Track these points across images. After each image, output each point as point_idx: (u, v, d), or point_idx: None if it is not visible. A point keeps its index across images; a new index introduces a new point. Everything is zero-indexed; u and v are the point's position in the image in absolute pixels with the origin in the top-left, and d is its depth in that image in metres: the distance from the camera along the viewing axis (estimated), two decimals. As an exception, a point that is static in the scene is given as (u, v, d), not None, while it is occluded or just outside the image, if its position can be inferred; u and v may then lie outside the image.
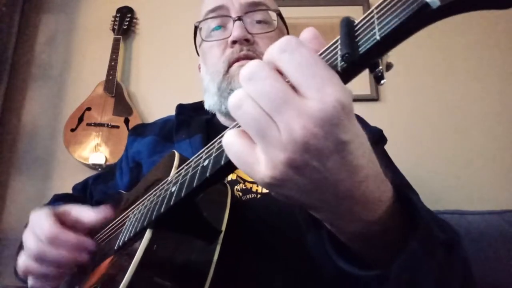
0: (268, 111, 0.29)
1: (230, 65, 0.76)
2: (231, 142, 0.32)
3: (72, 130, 1.52)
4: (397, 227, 0.37)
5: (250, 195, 0.66)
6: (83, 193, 0.93)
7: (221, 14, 0.79)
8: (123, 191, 0.78)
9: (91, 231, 0.67)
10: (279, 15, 0.83)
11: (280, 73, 0.30)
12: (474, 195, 1.41)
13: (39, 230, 0.55)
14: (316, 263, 0.55)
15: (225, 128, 0.82)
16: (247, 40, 0.76)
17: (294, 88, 0.29)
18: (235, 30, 0.75)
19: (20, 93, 1.64)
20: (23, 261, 0.55)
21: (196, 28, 0.85)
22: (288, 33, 0.91)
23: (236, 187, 0.67)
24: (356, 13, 1.65)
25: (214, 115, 0.89)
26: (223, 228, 0.50)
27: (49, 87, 1.66)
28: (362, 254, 0.40)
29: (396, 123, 1.52)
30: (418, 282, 0.38)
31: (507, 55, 1.60)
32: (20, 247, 0.59)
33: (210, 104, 0.81)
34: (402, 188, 0.39)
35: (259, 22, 0.80)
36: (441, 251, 0.41)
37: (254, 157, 0.30)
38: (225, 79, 0.76)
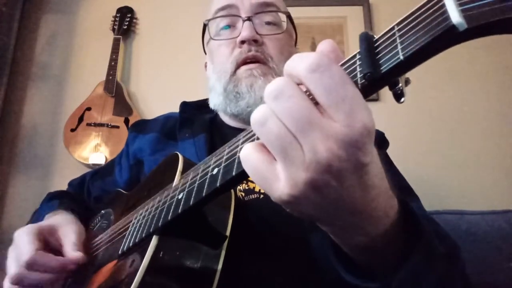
0: (293, 131, 0.28)
1: (238, 66, 0.75)
2: (249, 156, 0.31)
3: (72, 130, 1.52)
4: (400, 239, 0.38)
5: (253, 195, 0.66)
6: (80, 190, 0.92)
7: (231, 13, 0.79)
8: (123, 191, 0.78)
9: (90, 235, 0.67)
10: (289, 17, 0.83)
11: (306, 91, 0.29)
12: (474, 195, 1.41)
13: (20, 252, 0.55)
14: (319, 264, 0.55)
15: (229, 128, 0.83)
16: (255, 41, 0.75)
17: (320, 108, 0.28)
18: (244, 30, 0.75)
19: (20, 93, 1.64)
20: (6, 282, 0.56)
21: (205, 26, 0.84)
22: (296, 36, 0.90)
23: (238, 187, 0.66)
24: (356, 13, 1.65)
25: (217, 114, 0.88)
26: (228, 233, 0.50)
27: (49, 87, 1.66)
28: (365, 264, 0.40)
29: (396, 123, 1.52)
30: None
31: (507, 55, 1.60)
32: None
33: (215, 103, 0.81)
34: (406, 200, 0.39)
35: (268, 23, 0.79)
36: (442, 263, 0.41)
37: (273, 174, 0.30)
38: (231, 81, 0.75)
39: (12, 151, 1.57)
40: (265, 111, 0.30)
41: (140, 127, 0.89)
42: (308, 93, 0.29)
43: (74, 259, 0.57)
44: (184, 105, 0.90)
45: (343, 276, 0.40)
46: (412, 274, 0.37)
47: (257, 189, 0.66)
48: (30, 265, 0.54)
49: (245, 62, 0.75)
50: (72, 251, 0.58)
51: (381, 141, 0.81)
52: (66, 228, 0.63)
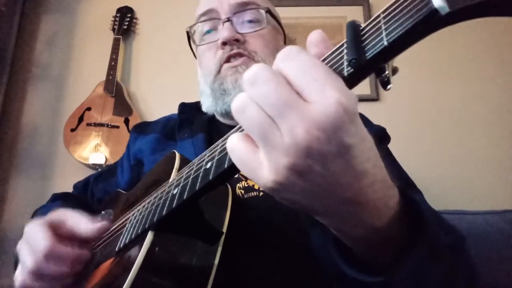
0: (272, 115, 0.28)
1: (221, 66, 0.76)
2: (234, 146, 0.32)
3: (72, 130, 1.52)
4: (403, 232, 0.37)
5: (252, 193, 0.66)
6: (84, 192, 0.93)
7: (212, 17, 0.80)
8: (122, 191, 0.78)
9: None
10: (268, 11, 0.82)
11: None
12: (474, 195, 1.41)
13: (34, 244, 0.55)
14: (319, 262, 0.55)
15: (226, 127, 0.83)
16: (237, 40, 0.76)
17: (298, 94, 0.28)
18: (223, 32, 0.75)
19: (20, 93, 1.64)
20: (20, 276, 0.55)
21: (188, 33, 0.86)
22: (282, 29, 0.90)
23: (238, 184, 0.67)
24: (356, 13, 1.65)
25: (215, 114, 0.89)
26: (225, 229, 0.50)
27: (49, 87, 1.66)
28: (367, 258, 0.39)
29: (396, 123, 1.52)
30: (423, 287, 0.38)
31: (507, 55, 1.60)
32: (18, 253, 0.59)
33: (207, 106, 0.82)
34: (408, 192, 0.39)
35: (250, 21, 0.79)
36: (447, 255, 0.41)
37: (257, 162, 0.30)
38: (217, 80, 0.77)
39: (12, 151, 1.57)
40: (243, 98, 0.30)
41: (141, 129, 0.91)
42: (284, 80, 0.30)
43: (91, 229, 0.56)
44: (183, 106, 0.91)
45: (345, 270, 0.39)
46: (417, 267, 0.36)
47: (256, 187, 0.67)
48: (48, 256, 0.53)
49: (228, 59, 0.75)
50: (89, 225, 0.57)
51: (383, 136, 0.82)
52: (76, 218, 0.62)
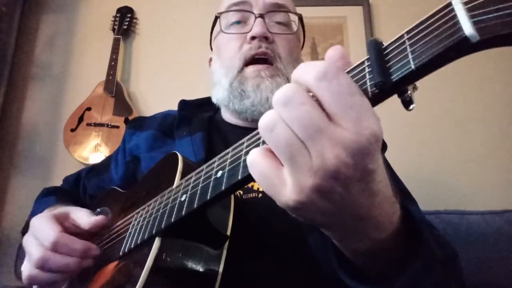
0: (302, 137, 0.28)
1: (246, 63, 0.75)
2: (256, 161, 0.32)
3: (72, 130, 1.52)
4: (401, 244, 0.38)
5: (251, 194, 0.66)
6: (76, 186, 0.91)
7: (244, 9, 0.79)
8: (119, 189, 0.77)
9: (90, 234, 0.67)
10: (300, 19, 0.84)
11: (313, 98, 0.30)
12: (474, 195, 1.41)
13: (41, 236, 0.55)
14: (317, 263, 0.55)
15: (228, 124, 0.83)
16: (266, 38, 0.75)
17: (328, 115, 0.29)
18: (256, 26, 0.75)
19: (20, 93, 1.64)
20: (27, 269, 0.55)
21: (216, 18, 0.84)
22: (304, 38, 0.90)
23: None
24: (356, 13, 1.65)
25: (216, 112, 0.88)
26: (229, 232, 0.50)
27: (49, 87, 1.66)
28: (364, 267, 0.40)
29: (396, 123, 1.52)
30: None
31: (508, 55, 1.60)
32: (19, 249, 0.59)
33: (218, 97, 0.80)
34: (407, 207, 0.40)
35: (279, 23, 0.80)
36: (439, 268, 0.42)
37: (281, 179, 0.30)
38: (238, 78, 0.75)
39: (12, 151, 1.57)
40: (273, 117, 0.30)
41: (137, 124, 0.89)
42: (316, 100, 0.29)
43: (94, 223, 0.57)
44: (183, 103, 0.89)
45: (343, 278, 0.40)
46: (413, 279, 0.37)
47: (255, 188, 0.66)
48: (55, 247, 0.53)
49: (253, 59, 0.75)
50: (92, 219, 0.58)
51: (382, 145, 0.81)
52: (78, 212, 0.62)
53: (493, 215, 1.02)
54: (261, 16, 0.76)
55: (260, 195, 0.65)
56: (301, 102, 0.28)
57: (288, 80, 0.74)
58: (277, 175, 0.30)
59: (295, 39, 0.82)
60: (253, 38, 0.75)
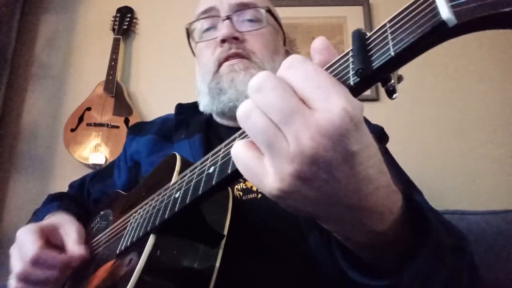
0: (277, 122, 0.28)
1: (220, 65, 0.76)
2: (239, 153, 0.32)
3: (72, 130, 1.52)
4: (406, 235, 0.37)
5: (250, 194, 0.65)
6: (80, 191, 0.92)
7: (212, 15, 0.80)
8: (121, 192, 0.78)
9: (89, 235, 0.67)
10: (269, 11, 0.82)
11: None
12: (474, 195, 1.41)
13: (23, 249, 0.56)
14: (317, 264, 0.55)
15: (223, 127, 0.83)
16: (236, 38, 0.75)
17: (303, 102, 0.28)
18: (223, 29, 0.75)
19: (20, 93, 1.64)
20: (12, 279, 0.56)
21: (187, 30, 0.85)
22: (282, 28, 0.90)
23: (236, 186, 0.66)
24: (356, 13, 1.65)
25: (212, 115, 0.88)
26: (226, 232, 0.50)
27: (49, 87, 1.66)
28: (371, 261, 0.39)
29: (396, 123, 1.52)
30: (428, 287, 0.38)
31: (508, 54, 1.60)
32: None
33: (204, 105, 0.81)
34: (411, 195, 0.39)
35: (249, 20, 0.79)
36: (449, 256, 0.41)
37: (262, 169, 0.30)
38: (214, 78, 0.76)
39: (12, 151, 1.57)
40: (248, 105, 0.30)
41: (137, 130, 0.90)
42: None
43: (77, 255, 0.58)
44: (180, 107, 0.90)
45: (351, 275, 0.39)
46: (422, 270, 0.36)
47: (254, 189, 0.66)
48: (35, 262, 0.54)
49: (227, 59, 0.75)
50: (75, 248, 0.59)
51: (381, 136, 0.81)
52: (67, 227, 0.63)
53: (493, 215, 1.02)
54: (228, 17, 0.76)
55: (260, 195, 0.65)
56: (273, 86, 0.29)
57: None
58: (259, 164, 0.30)
59: (269, 32, 0.81)
60: (223, 41, 0.75)
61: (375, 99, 1.55)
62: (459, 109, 1.55)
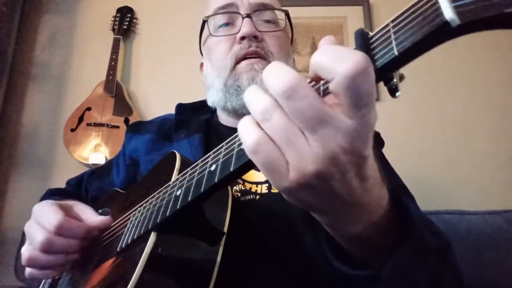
0: (302, 127, 0.29)
1: (237, 62, 0.75)
2: (261, 146, 0.31)
3: (72, 130, 1.52)
4: (392, 232, 0.39)
5: (249, 196, 0.66)
6: (78, 189, 0.92)
7: (230, 11, 0.79)
8: (120, 190, 0.78)
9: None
10: (287, 15, 0.84)
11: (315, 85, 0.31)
12: (474, 195, 1.41)
13: (45, 220, 0.56)
14: (313, 263, 0.55)
15: (225, 127, 0.83)
16: (255, 37, 0.76)
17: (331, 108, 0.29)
18: (244, 26, 0.75)
19: (20, 93, 1.64)
20: (28, 251, 0.56)
21: (204, 22, 0.84)
22: (292, 34, 0.90)
23: (235, 188, 0.67)
24: (356, 13, 1.65)
25: (212, 115, 0.88)
26: (226, 229, 0.50)
27: (49, 87, 1.66)
28: (358, 257, 0.41)
29: (396, 123, 1.52)
30: (410, 285, 0.39)
31: (509, 54, 1.60)
32: (19, 249, 0.59)
33: (213, 100, 0.81)
34: (397, 194, 0.40)
35: (267, 21, 0.80)
36: (434, 257, 0.42)
37: (284, 163, 0.30)
38: (231, 75, 0.75)
39: (12, 151, 1.57)
40: (270, 105, 0.30)
41: (136, 128, 0.90)
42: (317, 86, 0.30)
43: (99, 223, 0.59)
44: (180, 107, 0.90)
45: (335, 264, 0.41)
46: (403, 265, 0.38)
47: (253, 190, 0.67)
48: (59, 230, 0.54)
49: (245, 57, 0.75)
50: (95, 217, 0.60)
51: (377, 140, 0.82)
52: (80, 206, 0.64)
53: (493, 215, 1.02)
54: (248, 16, 0.76)
55: (258, 197, 0.66)
56: (304, 95, 0.28)
57: None
58: (280, 159, 0.30)
59: (284, 35, 0.82)
60: (242, 38, 0.75)
61: (375, 99, 1.54)
62: (459, 109, 1.55)
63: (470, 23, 0.24)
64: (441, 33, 0.26)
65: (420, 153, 1.50)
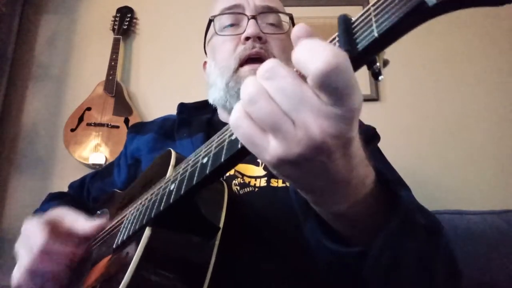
0: (285, 108, 0.29)
1: (241, 63, 0.77)
2: (241, 123, 0.31)
3: (72, 130, 1.52)
4: (380, 210, 0.40)
5: (247, 188, 0.67)
6: (80, 191, 0.93)
7: (236, 11, 0.81)
8: (118, 190, 0.78)
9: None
10: (292, 19, 0.86)
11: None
12: (474, 195, 1.41)
13: (31, 242, 0.56)
14: (311, 254, 0.56)
15: (225, 125, 0.83)
16: (259, 38, 0.77)
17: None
18: (249, 27, 0.77)
19: (20, 93, 1.64)
20: (16, 275, 0.56)
21: (210, 21, 0.86)
22: None
23: (234, 181, 0.68)
24: (356, 13, 1.64)
25: (213, 114, 0.89)
26: (221, 224, 0.50)
27: (49, 87, 1.66)
28: (347, 235, 0.42)
29: (396, 123, 1.52)
30: (399, 260, 0.41)
31: (508, 54, 1.60)
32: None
33: (214, 98, 0.82)
34: (384, 176, 0.41)
35: (271, 24, 0.82)
36: (423, 234, 0.43)
37: (266, 142, 0.31)
38: (234, 78, 0.77)
39: (12, 151, 1.57)
40: (256, 89, 0.30)
41: (138, 128, 0.91)
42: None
43: (90, 230, 0.58)
44: (182, 106, 0.91)
45: (326, 244, 0.42)
46: (391, 240, 0.39)
47: (252, 183, 0.68)
48: (43, 254, 0.54)
49: (248, 59, 0.76)
50: (86, 225, 0.59)
51: (373, 136, 0.82)
52: (71, 215, 0.63)
53: (493, 215, 1.02)
54: (254, 17, 0.78)
55: (257, 189, 0.66)
56: (284, 74, 0.29)
57: None
58: (262, 138, 0.31)
59: (287, 39, 0.83)
60: (247, 38, 0.77)
61: (375, 99, 1.55)
62: (459, 109, 1.55)
63: (446, 2, 0.25)
64: (418, 13, 0.26)
65: (420, 153, 1.50)
